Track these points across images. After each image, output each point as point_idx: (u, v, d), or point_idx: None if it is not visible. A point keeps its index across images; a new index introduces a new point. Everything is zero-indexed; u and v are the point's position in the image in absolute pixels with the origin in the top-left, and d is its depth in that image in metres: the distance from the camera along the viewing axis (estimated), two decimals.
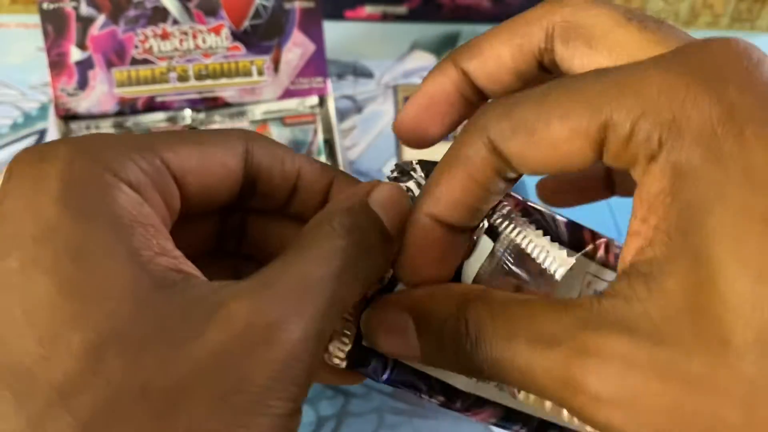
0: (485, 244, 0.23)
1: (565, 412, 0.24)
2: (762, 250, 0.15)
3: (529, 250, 0.23)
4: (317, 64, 0.57)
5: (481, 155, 0.20)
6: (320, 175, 0.25)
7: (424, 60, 0.64)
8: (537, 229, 0.23)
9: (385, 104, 0.61)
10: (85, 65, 0.55)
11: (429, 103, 0.25)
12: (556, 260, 0.22)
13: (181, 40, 0.55)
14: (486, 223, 0.23)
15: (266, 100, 0.57)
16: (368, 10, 0.67)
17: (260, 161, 0.24)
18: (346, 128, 0.59)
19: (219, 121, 0.56)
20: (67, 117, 0.55)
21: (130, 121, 0.56)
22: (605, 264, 0.24)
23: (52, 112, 0.55)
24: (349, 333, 0.23)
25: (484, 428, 0.43)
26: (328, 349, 0.24)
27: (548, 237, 0.23)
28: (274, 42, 0.56)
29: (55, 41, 0.54)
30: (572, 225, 0.24)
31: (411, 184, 0.24)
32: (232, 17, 0.55)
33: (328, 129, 0.56)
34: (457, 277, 0.23)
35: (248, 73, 0.56)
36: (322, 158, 0.55)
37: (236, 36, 0.56)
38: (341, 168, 0.54)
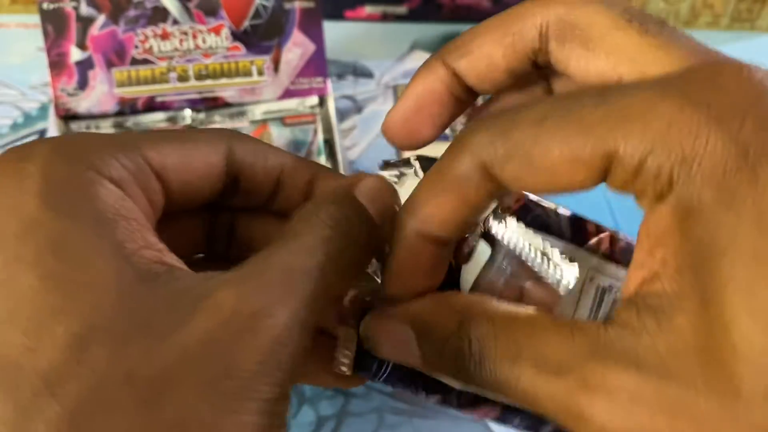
0: (484, 250, 0.23)
1: None
2: None
3: (529, 260, 0.22)
4: (317, 64, 0.57)
5: (474, 180, 0.19)
6: (303, 170, 0.25)
7: (424, 60, 0.64)
8: (538, 227, 0.23)
9: (385, 104, 0.61)
10: (85, 65, 0.55)
11: (419, 105, 0.24)
12: (558, 270, 0.22)
13: (181, 40, 0.55)
14: (482, 228, 0.23)
15: (266, 100, 0.57)
16: (368, 10, 0.67)
17: (242, 158, 0.24)
18: (346, 128, 0.59)
19: (219, 121, 0.56)
20: (67, 117, 0.55)
21: (130, 121, 0.56)
22: (609, 257, 0.24)
23: (52, 112, 0.55)
24: (352, 339, 0.23)
25: (484, 428, 0.43)
26: (334, 356, 0.24)
27: (548, 242, 0.23)
28: (274, 42, 0.56)
29: (55, 41, 0.54)
30: (575, 219, 0.24)
31: (408, 171, 0.24)
32: (232, 17, 0.55)
33: (328, 129, 0.56)
34: (455, 281, 0.23)
35: (248, 73, 0.56)
36: (322, 158, 0.55)
37: (236, 36, 0.56)
38: (341, 168, 0.54)
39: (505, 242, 0.23)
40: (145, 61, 0.55)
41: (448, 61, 0.24)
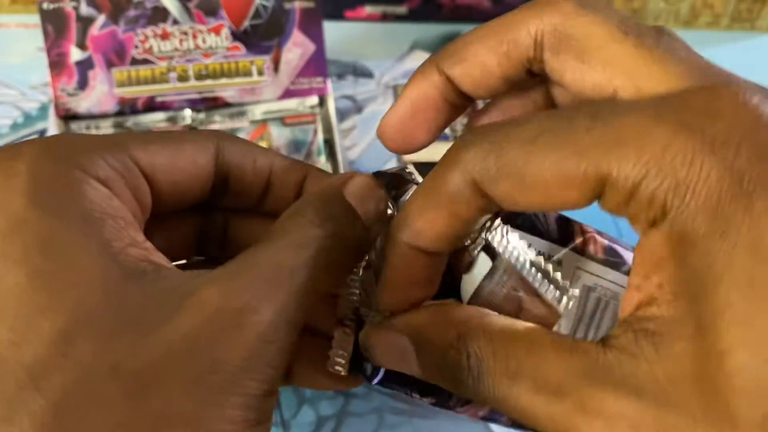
0: (484, 263, 0.23)
1: None
2: (765, 333, 0.15)
3: (529, 277, 0.22)
4: (317, 64, 0.57)
5: (465, 196, 0.19)
6: (293, 170, 0.25)
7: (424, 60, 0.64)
8: (527, 229, 0.23)
9: (385, 104, 0.61)
10: (85, 65, 0.55)
11: (414, 109, 0.24)
12: (557, 290, 0.22)
13: (181, 40, 0.55)
14: (484, 240, 0.23)
15: (266, 100, 0.57)
16: (368, 10, 0.67)
17: (231, 159, 0.24)
18: (346, 128, 0.59)
19: (219, 121, 0.56)
20: (67, 117, 0.55)
21: (130, 121, 0.56)
22: (592, 257, 0.24)
23: (52, 112, 0.55)
24: (348, 341, 0.23)
25: (484, 428, 0.43)
26: (329, 356, 0.24)
27: (542, 257, 0.23)
28: (274, 42, 0.56)
29: (55, 41, 0.54)
30: (561, 219, 0.24)
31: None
32: (232, 17, 0.55)
33: (328, 129, 0.56)
34: (455, 291, 0.23)
35: (248, 73, 0.56)
36: (322, 158, 0.55)
37: (236, 36, 0.56)
38: (341, 168, 0.54)
39: (506, 256, 0.23)
40: (145, 61, 0.55)
41: (442, 67, 0.23)
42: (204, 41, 0.55)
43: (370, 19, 0.68)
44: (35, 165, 0.19)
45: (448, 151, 0.20)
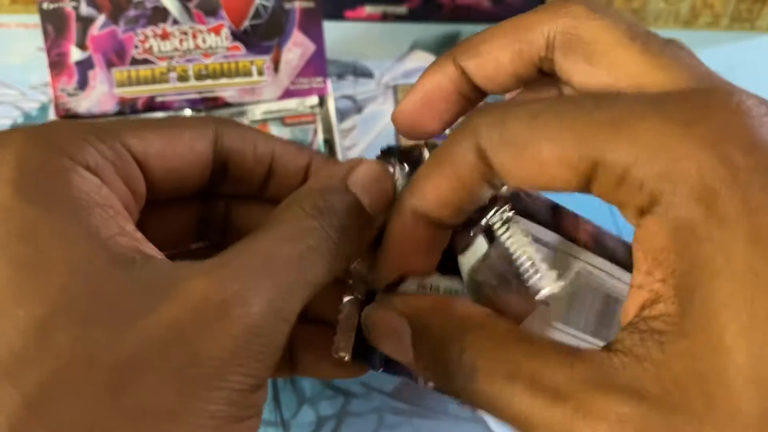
0: (481, 245, 0.23)
1: None
2: (766, 323, 0.15)
3: (520, 263, 0.22)
4: (317, 64, 0.57)
5: (469, 159, 0.20)
6: (296, 156, 0.25)
7: (424, 60, 0.64)
8: (527, 216, 0.23)
9: (385, 104, 0.61)
10: (85, 65, 0.55)
11: (426, 99, 0.25)
12: (544, 279, 0.22)
13: (181, 40, 0.55)
14: (484, 223, 0.23)
15: (266, 100, 0.57)
16: (368, 10, 0.67)
17: (231, 145, 0.24)
18: (346, 128, 0.59)
19: None
20: (68, 117, 0.55)
21: None
22: (586, 246, 0.24)
23: (52, 112, 0.55)
24: (352, 326, 0.23)
25: (483, 428, 0.43)
26: (333, 341, 0.24)
27: (536, 245, 0.23)
28: (274, 42, 0.56)
29: (55, 41, 0.54)
30: (556, 208, 0.24)
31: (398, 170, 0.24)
32: (232, 17, 0.55)
33: (328, 129, 0.56)
34: (454, 270, 0.23)
35: (248, 73, 0.56)
36: None
37: (236, 36, 0.56)
38: None
39: (503, 242, 0.23)
40: (145, 61, 0.55)
41: (458, 60, 0.24)
42: (204, 41, 0.55)
43: (370, 19, 0.68)
44: (22, 153, 0.19)
45: (462, 121, 0.21)
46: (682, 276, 0.16)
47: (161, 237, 0.21)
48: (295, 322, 0.20)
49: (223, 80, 0.56)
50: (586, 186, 0.18)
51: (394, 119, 0.26)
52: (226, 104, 0.57)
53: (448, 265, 0.24)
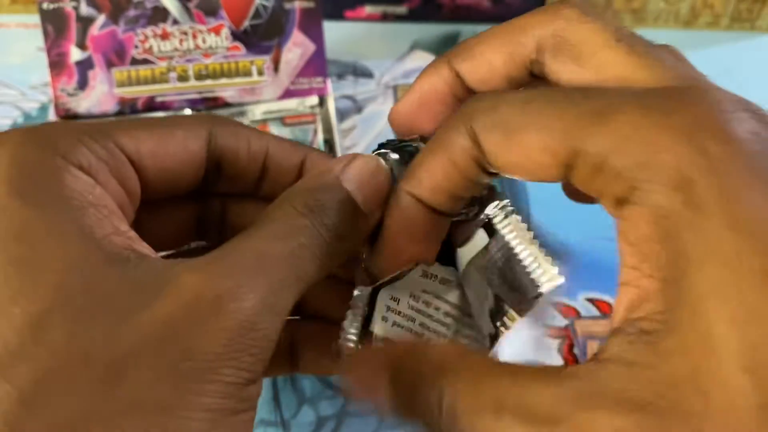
0: (481, 238, 0.23)
1: None
2: (755, 309, 0.15)
3: (521, 257, 0.22)
4: (317, 64, 0.57)
5: (462, 143, 0.20)
6: (290, 153, 0.25)
7: (424, 60, 0.64)
8: (529, 229, 0.23)
9: (385, 104, 0.61)
10: (85, 65, 0.55)
11: (422, 101, 0.25)
12: (546, 274, 0.22)
13: (181, 40, 0.55)
14: (484, 216, 0.23)
15: (266, 100, 0.57)
16: (368, 10, 0.67)
17: (224, 143, 0.24)
18: (346, 128, 0.59)
19: None
20: (68, 117, 0.55)
21: None
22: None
23: (52, 112, 0.55)
24: (361, 315, 0.23)
25: None
26: (343, 327, 0.24)
27: (538, 242, 0.23)
28: (274, 42, 0.56)
29: (55, 41, 0.54)
30: None
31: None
32: (232, 17, 0.55)
33: (328, 129, 0.56)
34: (452, 262, 0.23)
35: (248, 73, 0.56)
36: None
37: (236, 36, 0.56)
38: None
39: (503, 235, 0.23)
40: (145, 61, 0.55)
41: (452, 63, 0.25)
42: (204, 41, 0.55)
43: (370, 19, 0.68)
44: (17, 153, 0.19)
45: (461, 106, 0.21)
46: (668, 267, 0.16)
47: (159, 236, 0.21)
48: (297, 320, 0.20)
49: (223, 80, 0.56)
50: (566, 175, 0.19)
51: (390, 120, 0.26)
52: (226, 104, 0.57)
53: (447, 259, 0.24)
